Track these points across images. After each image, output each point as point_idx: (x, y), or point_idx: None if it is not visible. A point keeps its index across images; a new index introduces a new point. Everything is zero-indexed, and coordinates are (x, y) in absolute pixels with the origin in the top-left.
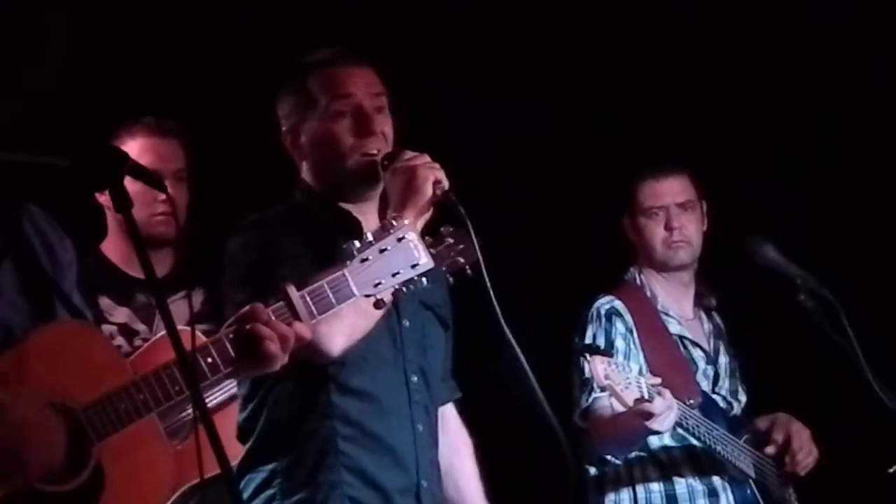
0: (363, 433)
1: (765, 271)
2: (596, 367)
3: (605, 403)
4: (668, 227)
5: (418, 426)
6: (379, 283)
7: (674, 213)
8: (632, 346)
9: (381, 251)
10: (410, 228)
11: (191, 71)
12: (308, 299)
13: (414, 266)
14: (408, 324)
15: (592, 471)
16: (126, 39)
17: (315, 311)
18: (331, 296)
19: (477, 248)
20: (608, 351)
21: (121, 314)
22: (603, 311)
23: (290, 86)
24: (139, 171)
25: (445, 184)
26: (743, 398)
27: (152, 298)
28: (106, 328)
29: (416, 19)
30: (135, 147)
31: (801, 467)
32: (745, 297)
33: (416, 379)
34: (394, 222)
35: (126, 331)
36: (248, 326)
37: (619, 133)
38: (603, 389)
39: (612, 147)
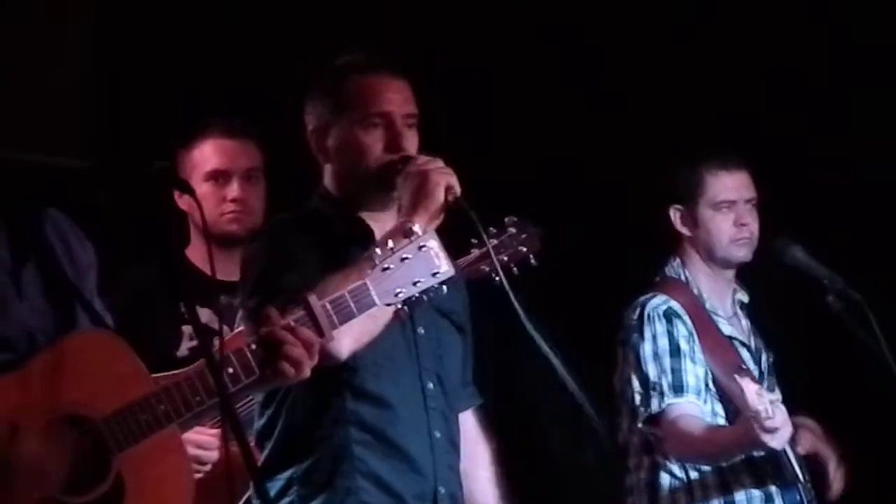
0: (378, 439)
1: (792, 272)
2: (749, 388)
3: (688, 411)
4: (738, 223)
5: (435, 433)
6: (400, 292)
7: (742, 210)
8: (695, 348)
9: (402, 259)
10: (432, 236)
11: (215, 73)
12: (329, 308)
13: (434, 274)
14: (422, 331)
15: (642, 475)
16: (150, 41)
17: (336, 321)
18: (352, 305)
19: (492, 251)
20: (748, 370)
21: (203, 315)
22: (661, 312)
23: (323, 86)
24: (164, 174)
25: (457, 189)
26: (779, 395)
27: (234, 299)
28: (186, 329)
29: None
30: (206, 148)
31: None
32: (772, 297)
33: (432, 386)
34: (415, 229)
35: (206, 331)
36: (266, 331)
37: (648, 127)
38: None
39: (638, 143)
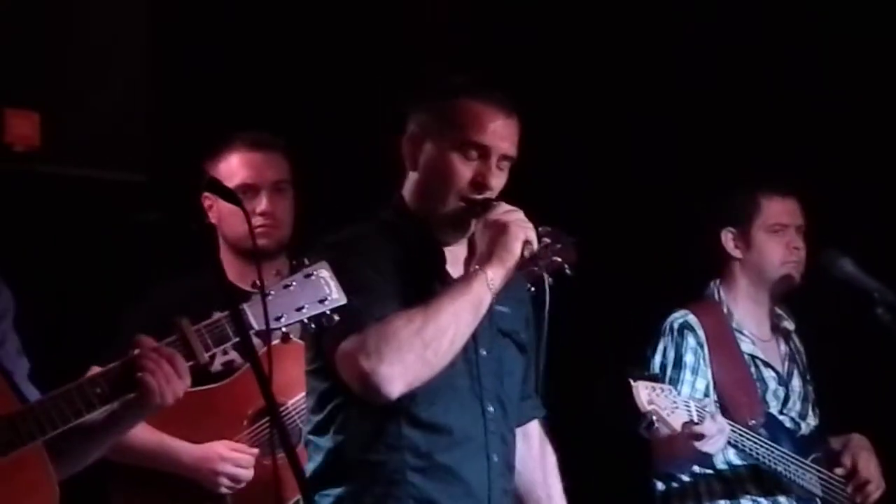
0: (433, 464)
1: (841, 285)
2: (639, 392)
3: None
4: (789, 247)
5: (493, 456)
6: (281, 317)
7: (793, 234)
8: (701, 361)
9: (285, 287)
10: (323, 267)
11: (268, 85)
12: (203, 332)
13: (323, 301)
14: (485, 353)
15: (659, 485)
16: (203, 55)
17: (210, 344)
18: (228, 328)
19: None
20: (655, 375)
21: None
22: (676, 326)
23: (435, 100)
24: (215, 186)
25: (535, 245)
26: (813, 422)
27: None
28: None
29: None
30: (234, 162)
31: (866, 498)
32: (821, 310)
33: (492, 409)
34: (306, 261)
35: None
36: (132, 355)
37: (697, 148)
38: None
39: (692, 164)
